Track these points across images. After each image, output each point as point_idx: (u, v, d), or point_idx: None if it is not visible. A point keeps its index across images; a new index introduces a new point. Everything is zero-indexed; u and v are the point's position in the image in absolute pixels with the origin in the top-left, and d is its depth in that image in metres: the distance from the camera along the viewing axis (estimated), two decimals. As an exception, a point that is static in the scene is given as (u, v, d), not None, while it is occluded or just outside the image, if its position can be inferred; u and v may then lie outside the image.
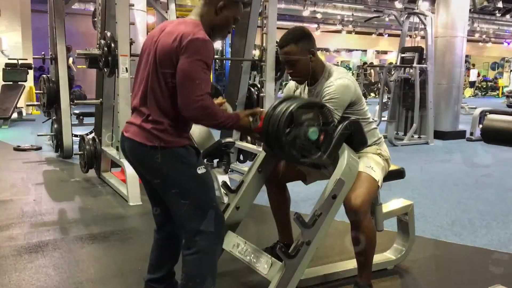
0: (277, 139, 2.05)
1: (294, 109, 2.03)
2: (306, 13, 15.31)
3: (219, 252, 2.13)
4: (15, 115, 9.50)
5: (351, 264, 2.65)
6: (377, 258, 2.75)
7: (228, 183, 2.73)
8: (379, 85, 17.86)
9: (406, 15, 8.77)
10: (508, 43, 25.66)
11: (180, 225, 2.06)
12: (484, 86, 23.33)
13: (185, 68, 1.86)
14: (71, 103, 6.00)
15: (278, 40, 3.40)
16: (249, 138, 5.24)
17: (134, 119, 2.04)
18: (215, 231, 2.03)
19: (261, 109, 2.20)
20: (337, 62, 26.73)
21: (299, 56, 2.39)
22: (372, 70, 19.81)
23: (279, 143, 2.06)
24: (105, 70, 4.41)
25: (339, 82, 2.36)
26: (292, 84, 2.67)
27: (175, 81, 1.90)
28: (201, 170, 2.01)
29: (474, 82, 22.95)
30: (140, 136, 1.97)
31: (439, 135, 8.37)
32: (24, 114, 10.33)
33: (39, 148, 6.65)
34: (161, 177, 2.00)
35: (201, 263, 2.02)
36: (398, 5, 13.22)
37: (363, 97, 2.52)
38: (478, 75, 23.65)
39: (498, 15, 15.25)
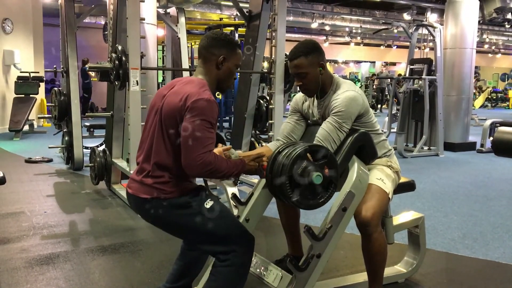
0: (288, 199, 2.07)
1: (287, 171, 2.03)
2: (314, 25, 15.39)
3: (249, 268, 2.13)
4: (26, 128, 9.62)
5: (362, 277, 2.64)
6: (388, 271, 2.73)
7: (238, 195, 2.74)
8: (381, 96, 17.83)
9: (414, 27, 8.77)
10: (518, 54, 25.54)
11: (211, 254, 2.08)
12: (494, 97, 23.19)
13: (189, 127, 1.89)
14: (82, 115, 6.06)
15: (287, 53, 3.42)
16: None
17: (136, 175, 2.07)
18: (245, 246, 2.04)
19: (263, 155, 2.20)
20: (346, 74, 26.79)
21: (309, 69, 2.41)
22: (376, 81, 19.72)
23: (293, 204, 2.09)
24: (116, 83, 4.46)
25: (346, 95, 2.37)
26: (299, 96, 2.68)
27: (178, 140, 1.93)
28: (208, 204, 2.02)
29: None
30: (142, 191, 2.01)
31: (449, 146, 8.32)
32: (35, 126, 10.44)
33: (50, 160, 6.71)
34: (173, 227, 2.05)
35: (232, 276, 2.01)
36: (407, 17, 13.24)
37: (371, 109, 2.52)
38: None
39: (507, 26, 15.22)
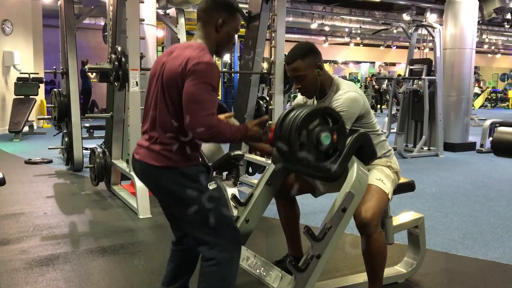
0: (293, 155, 2.04)
1: (299, 123, 2.02)
2: (314, 26, 15.39)
3: (238, 264, 2.11)
4: (26, 129, 9.60)
5: (362, 277, 2.64)
6: (388, 271, 2.73)
7: (238, 196, 2.74)
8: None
9: (414, 27, 8.78)
10: (518, 54, 25.54)
11: (196, 241, 2.05)
12: (494, 98, 23.20)
13: (190, 91, 1.88)
14: (82, 116, 6.06)
15: (286, 53, 3.43)
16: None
17: (143, 141, 2.06)
18: (232, 242, 2.03)
19: (268, 118, 2.20)
20: (345, 74, 26.80)
21: (307, 72, 2.41)
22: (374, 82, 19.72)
23: (296, 160, 2.06)
24: (116, 84, 4.46)
25: (347, 95, 2.37)
26: (300, 97, 2.68)
27: (181, 104, 1.92)
28: (212, 186, 2.01)
29: None
30: (149, 157, 1.99)
31: (449, 147, 8.33)
32: (35, 127, 10.42)
33: (49, 161, 6.70)
34: (172, 197, 2.02)
35: (221, 274, 2.00)
36: (406, 17, 13.24)
37: (371, 110, 2.52)
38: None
39: (507, 26, 15.22)
